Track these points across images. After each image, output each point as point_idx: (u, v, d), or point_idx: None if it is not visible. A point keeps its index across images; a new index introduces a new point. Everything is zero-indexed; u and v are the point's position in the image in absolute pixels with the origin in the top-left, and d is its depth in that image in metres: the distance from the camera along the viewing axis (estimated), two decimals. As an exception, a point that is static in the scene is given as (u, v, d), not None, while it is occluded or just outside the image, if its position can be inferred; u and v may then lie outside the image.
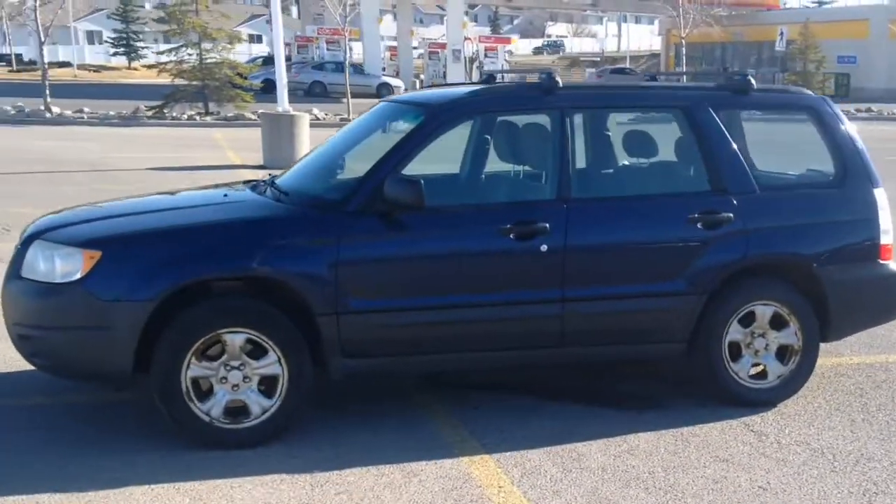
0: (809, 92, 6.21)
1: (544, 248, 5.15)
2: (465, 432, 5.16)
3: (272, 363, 4.88)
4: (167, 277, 4.73)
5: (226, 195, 5.72)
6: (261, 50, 67.02)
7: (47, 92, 28.85)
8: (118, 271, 4.75)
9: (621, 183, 5.99)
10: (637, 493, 4.47)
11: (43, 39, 29.63)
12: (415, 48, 57.97)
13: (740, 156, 5.62)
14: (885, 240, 5.74)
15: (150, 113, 29.94)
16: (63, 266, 4.79)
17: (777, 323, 5.61)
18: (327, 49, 49.67)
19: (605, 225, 5.42)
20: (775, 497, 4.45)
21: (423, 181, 4.95)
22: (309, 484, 4.51)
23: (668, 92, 6.39)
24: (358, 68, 45.69)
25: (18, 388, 5.71)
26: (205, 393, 4.85)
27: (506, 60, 51.29)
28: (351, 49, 49.10)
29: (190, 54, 31.22)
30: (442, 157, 5.76)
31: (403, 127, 5.56)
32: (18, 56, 61.05)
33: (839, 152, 5.79)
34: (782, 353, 5.65)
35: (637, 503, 4.37)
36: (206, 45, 31.02)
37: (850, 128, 5.85)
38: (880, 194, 5.77)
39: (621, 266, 5.39)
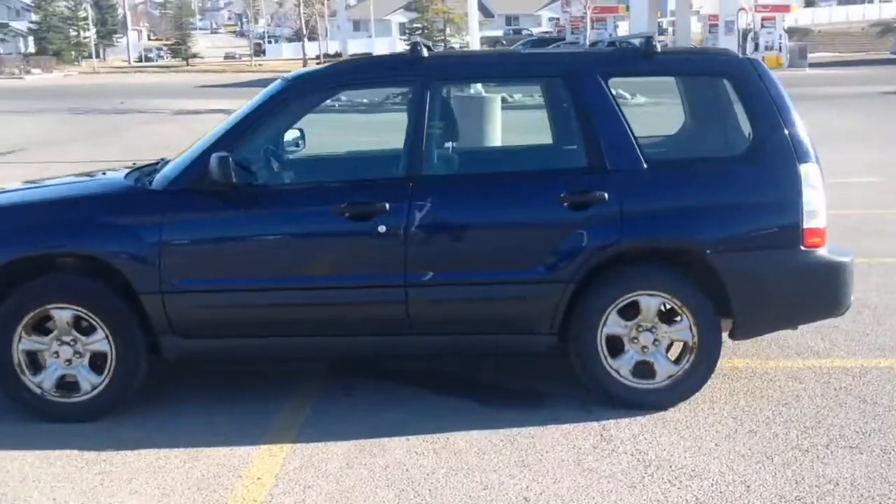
0: (731, 53, 5.41)
1: (382, 228, 4.84)
2: (299, 420, 5.01)
3: (100, 340, 4.95)
4: None
5: (98, 175, 5.84)
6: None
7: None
8: None
9: (486, 160, 5.53)
10: (386, 495, 4.15)
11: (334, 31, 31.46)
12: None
13: (626, 129, 4.98)
14: (810, 223, 4.91)
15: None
16: None
17: (668, 317, 4.97)
18: (592, 27, 49.07)
19: (456, 205, 4.99)
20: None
21: (236, 159, 4.81)
22: (85, 461, 4.56)
23: (551, 59, 5.81)
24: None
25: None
26: (39, 366, 5.00)
27: (783, 31, 48.33)
28: (616, 27, 48.49)
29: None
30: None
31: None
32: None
33: (757, 124, 5.01)
34: (675, 351, 5.00)
35: (377, 506, 4.06)
36: (450, 31, 31.78)
37: (776, 96, 5.02)
38: (809, 170, 4.93)
39: (473, 250, 4.96)
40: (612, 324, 4.95)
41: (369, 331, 5.03)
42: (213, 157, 4.76)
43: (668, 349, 5.01)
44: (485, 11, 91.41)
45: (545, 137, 5.98)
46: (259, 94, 5.30)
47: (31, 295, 4.94)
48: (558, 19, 57.59)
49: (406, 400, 5.24)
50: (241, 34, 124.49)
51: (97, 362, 4.99)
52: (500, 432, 4.76)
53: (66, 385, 5.01)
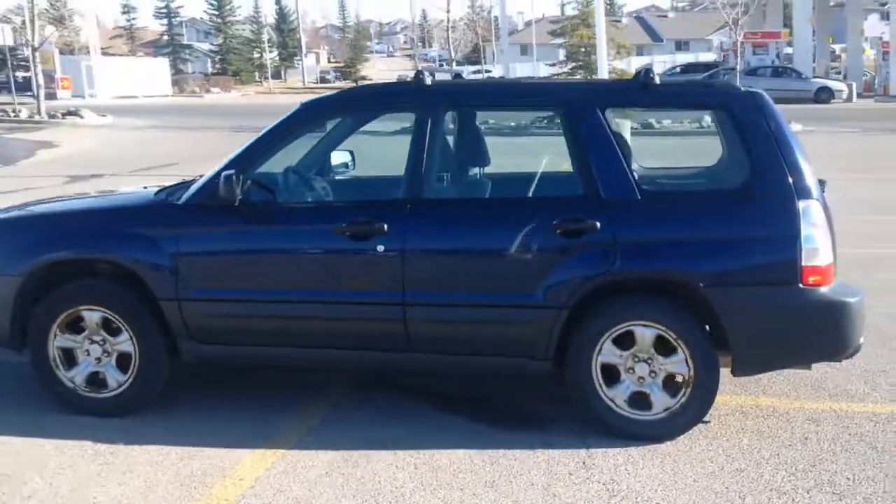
0: (732, 87, 5.33)
1: (381, 248, 5.03)
2: (304, 429, 5.22)
3: (126, 341, 5.34)
4: (28, 257, 5.37)
5: (140, 189, 6.24)
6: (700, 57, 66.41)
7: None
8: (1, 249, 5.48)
9: (484, 185, 5.62)
10: None
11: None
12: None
13: (621, 159, 5.01)
14: (810, 261, 4.80)
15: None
16: None
17: (664, 348, 4.94)
18: (753, 53, 47.86)
19: (452, 228, 5.13)
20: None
21: (244, 178, 5.10)
22: (94, 452, 4.92)
23: (550, 89, 5.85)
24: (793, 72, 43.99)
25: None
26: (73, 363, 5.41)
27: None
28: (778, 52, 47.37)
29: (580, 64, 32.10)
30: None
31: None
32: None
33: (753, 158, 4.94)
34: (671, 384, 4.97)
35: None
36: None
37: (777, 131, 4.92)
38: (811, 208, 4.83)
39: (469, 273, 5.08)
40: (608, 353, 4.96)
41: (371, 346, 5.21)
42: (221, 176, 5.06)
43: (665, 381, 4.97)
44: (654, 36, 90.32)
45: (549, 165, 6.02)
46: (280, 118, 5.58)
47: (65, 297, 5.36)
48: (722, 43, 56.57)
49: (412, 416, 5.38)
50: (413, 57, 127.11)
51: (123, 362, 5.36)
52: (487, 453, 4.85)
53: (97, 381, 5.40)
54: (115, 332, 5.34)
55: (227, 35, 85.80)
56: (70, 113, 35.66)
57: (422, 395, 5.71)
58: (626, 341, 4.95)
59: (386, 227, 5.01)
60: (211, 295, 5.23)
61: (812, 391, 5.75)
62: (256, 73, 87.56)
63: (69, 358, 5.41)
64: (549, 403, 5.50)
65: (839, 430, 5.15)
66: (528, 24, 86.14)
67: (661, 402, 4.96)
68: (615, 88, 5.53)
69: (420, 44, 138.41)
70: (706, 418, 5.28)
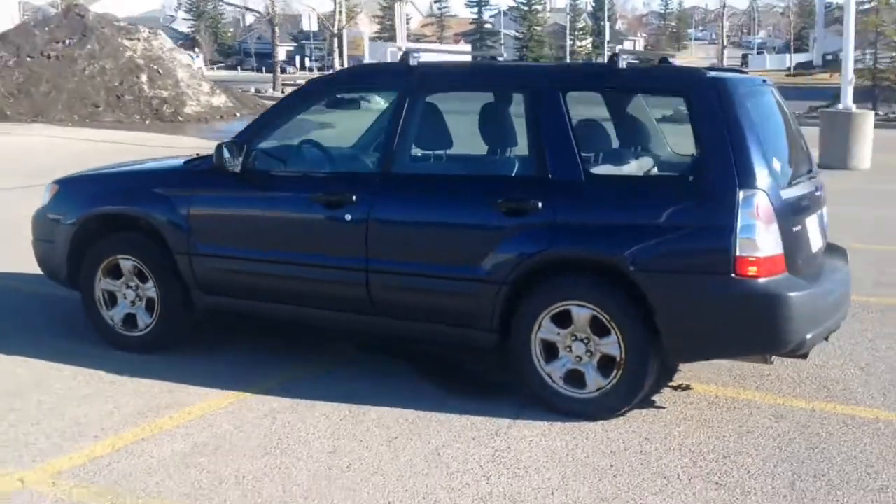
0: (697, 73, 5.16)
1: (348, 217, 5.41)
2: (278, 381, 5.67)
3: (151, 287, 6.09)
4: (80, 209, 6.24)
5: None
6: None
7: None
8: (63, 201, 6.40)
9: (447, 163, 5.80)
10: (250, 444, 4.73)
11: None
12: None
13: (573, 142, 5.07)
14: (745, 251, 4.66)
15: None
16: (45, 196, 6.58)
17: (601, 329, 4.98)
18: None
19: (411, 202, 5.43)
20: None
21: (240, 147, 5.66)
22: (97, 380, 5.68)
23: (519, 72, 6.03)
24: None
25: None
26: (114, 304, 6.24)
27: None
28: None
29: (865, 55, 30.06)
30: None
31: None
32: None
33: (702, 145, 4.87)
34: (608, 364, 5.00)
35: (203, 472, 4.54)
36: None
37: (733, 120, 4.79)
38: (753, 198, 4.69)
39: (423, 244, 5.35)
40: (547, 330, 5.06)
41: (342, 308, 5.61)
42: (217, 145, 5.64)
43: (600, 362, 5.00)
44: None
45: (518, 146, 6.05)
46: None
47: (106, 246, 6.20)
48: None
49: (386, 378, 5.71)
50: (739, 45, 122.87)
51: (150, 306, 6.10)
52: (418, 413, 5.11)
53: (130, 321, 6.18)
54: (144, 279, 6.10)
55: (531, 23, 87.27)
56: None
57: (414, 362, 6.01)
58: (565, 320, 5.03)
59: (354, 197, 5.38)
60: (213, 251, 5.85)
61: (792, 388, 5.59)
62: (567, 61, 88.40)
63: (112, 299, 6.22)
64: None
65: (787, 425, 5.00)
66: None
67: (595, 382, 5.00)
68: (580, 73, 5.56)
69: (745, 31, 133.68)
70: (661, 404, 5.25)
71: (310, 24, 43.72)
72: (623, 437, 4.82)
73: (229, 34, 76.03)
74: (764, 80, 5.60)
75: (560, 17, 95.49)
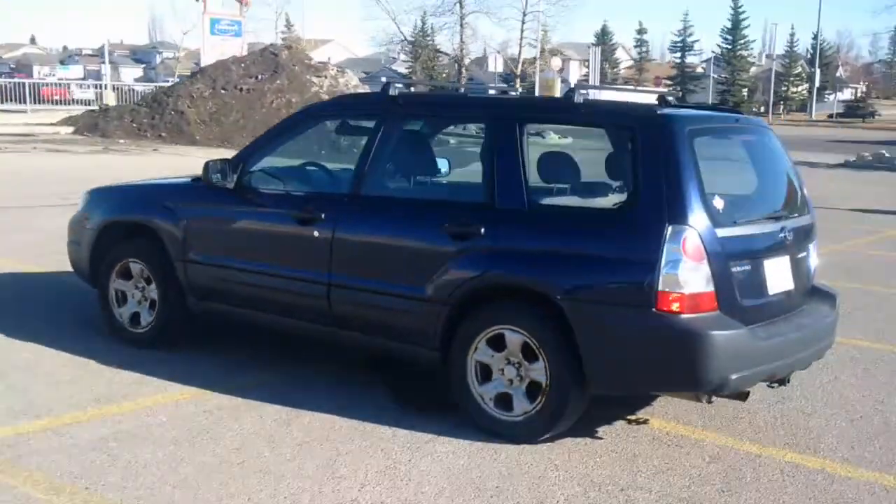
0: (648, 110, 5.05)
1: (316, 234, 5.64)
2: (239, 383, 5.83)
3: (154, 289, 6.46)
4: (101, 216, 6.78)
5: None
6: None
7: None
8: (91, 208, 6.92)
9: (411, 187, 5.88)
10: (177, 434, 4.92)
11: None
12: None
13: (521, 172, 5.10)
14: (668, 286, 4.54)
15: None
16: (80, 202, 7.12)
17: (531, 355, 4.94)
18: None
19: (369, 222, 5.59)
20: None
21: (235, 165, 6.06)
22: (90, 368, 6.05)
23: (483, 103, 6.14)
24: None
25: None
26: (124, 303, 6.66)
27: None
28: None
29: None
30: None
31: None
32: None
33: (637, 180, 4.81)
34: (534, 389, 4.94)
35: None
36: None
37: (673, 157, 4.72)
38: (682, 234, 4.58)
39: (377, 262, 5.49)
40: (482, 352, 5.07)
41: (308, 318, 5.79)
42: (205, 163, 6.09)
43: (529, 387, 4.95)
44: None
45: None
46: None
47: (120, 250, 6.65)
48: None
49: (348, 386, 5.82)
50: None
51: (153, 306, 6.48)
52: (352, 423, 5.18)
53: (136, 319, 6.58)
54: (149, 281, 6.48)
55: (735, 68, 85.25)
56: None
57: (391, 374, 6.07)
58: (500, 344, 5.03)
59: (323, 215, 5.61)
60: (203, 259, 6.20)
61: (755, 431, 5.34)
62: (781, 105, 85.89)
63: (123, 298, 6.64)
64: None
65: (714, 467, 4.77)
66: None
67: (521, 406, 4.96)
68: (538, 106, 5.68)
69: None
70: (601, 435, 5.13)
71: (495, 67, 44.73)
72: (531, 461, 4.72)
73: (443, 76, 78.39)
74: (743, 119, 5.56)
75: (778, 62, 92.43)
